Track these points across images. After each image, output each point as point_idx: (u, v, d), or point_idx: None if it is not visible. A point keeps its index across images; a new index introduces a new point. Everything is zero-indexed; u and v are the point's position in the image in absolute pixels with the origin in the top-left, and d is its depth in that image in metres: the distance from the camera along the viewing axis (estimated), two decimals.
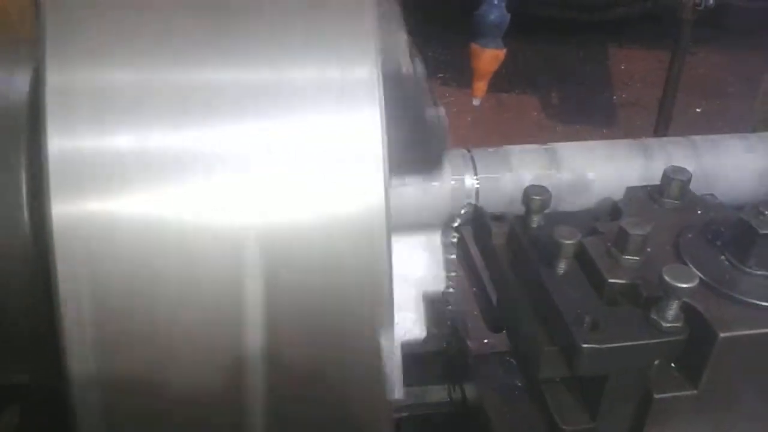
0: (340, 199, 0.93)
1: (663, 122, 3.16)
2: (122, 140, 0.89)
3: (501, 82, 5.40)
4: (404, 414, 1.85)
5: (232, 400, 0.97)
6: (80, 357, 0.90)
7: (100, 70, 0.90)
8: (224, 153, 0.91)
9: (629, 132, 4.71)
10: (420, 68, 1.29)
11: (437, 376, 1.87)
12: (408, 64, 1.16)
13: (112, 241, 0.88)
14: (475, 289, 1.67)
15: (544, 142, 1.62)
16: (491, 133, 4.88)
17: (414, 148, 1.31)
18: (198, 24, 0.92)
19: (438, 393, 1.87)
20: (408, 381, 1.86)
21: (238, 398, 0.97)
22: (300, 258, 0.92)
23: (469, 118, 5.14)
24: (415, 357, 1.85)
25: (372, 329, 0.97)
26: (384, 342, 0.98)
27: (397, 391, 1.41)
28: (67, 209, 0.88)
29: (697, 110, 5.12)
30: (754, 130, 1.80)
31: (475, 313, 1.69)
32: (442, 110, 1.36)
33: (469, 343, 1.76)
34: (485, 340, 2.03)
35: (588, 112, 5.11)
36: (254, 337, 0.93)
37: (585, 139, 1.66)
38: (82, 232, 0.88)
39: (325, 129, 0.93)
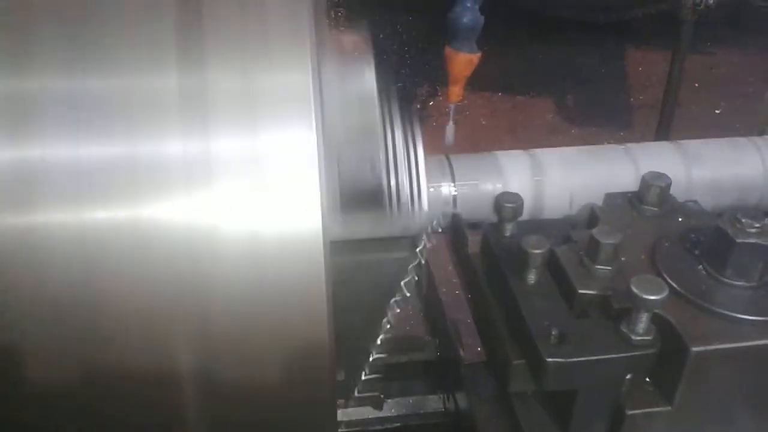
0: (267, 214, 0.90)
1: (664, 125, 3.08)
2: (26, 152, 0.87)
3: (516, 84, 5.35)
4: (398, 424, 1.83)
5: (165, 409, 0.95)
6: None
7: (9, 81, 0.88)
8: (143, 165, 0.88)
9: (646, 135, 4.62)
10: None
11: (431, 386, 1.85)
12: None
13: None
14: (470, 295, 1.64)
15: (559, 145, 1.58)
16: (505, 136, 4.83)
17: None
18: (118, 31, 0.90)
19: (432, 403, 1.85)
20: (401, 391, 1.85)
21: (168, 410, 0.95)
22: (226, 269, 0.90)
23: (483, 122, 5.09)
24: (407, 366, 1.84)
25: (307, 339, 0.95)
26: (323, 356, 0.95)
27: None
28: None
29: (716, 111, 5.02)
30: (761, 133, 1.75)
31: (469, 321, 1.65)
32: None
33: (461, 352, 1.73)
34: (479, 349, 2.00)
35: (604, 115, 5.03)
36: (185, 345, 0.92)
37: (601, 142, 1.61)
38: None
39: (254, 142, 0.90)
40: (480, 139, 4.67)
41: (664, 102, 3.12)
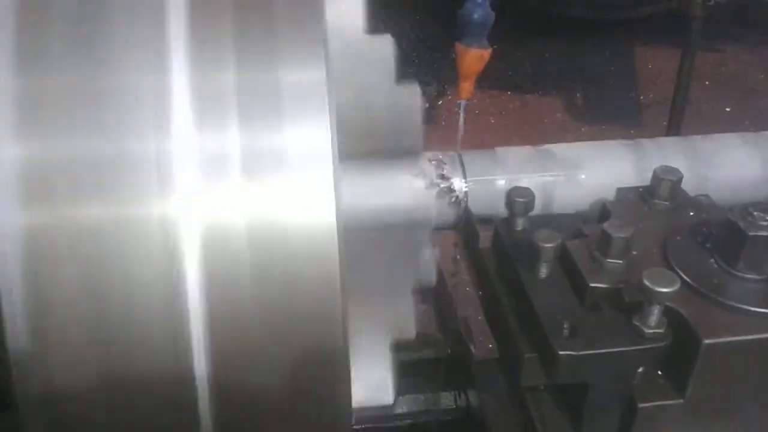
0: (281, 209, 0.91)
1: (675, 121, 3.07)
2: (35, 148, 0.88)
3: (525, 82, 5.35)
4: (409, 421, 1.83)
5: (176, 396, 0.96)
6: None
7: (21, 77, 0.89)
8: (155, 158, 0.89)
9: (656, 132, 4.61)
10: (390, 48, 1.22)
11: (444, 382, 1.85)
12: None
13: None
14: (480, 292, 1.64)
15: (568, 143, 1.58)
16: (514, 135, 4.82)
17: (388, 136, 1.24)
18: (129, 28, 0.91)
19: (445, 400, 1.85)
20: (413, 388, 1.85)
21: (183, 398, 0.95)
22: (243, 263, 0.90)
23: (493, 120, 5.09)
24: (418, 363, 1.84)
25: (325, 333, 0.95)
26: (338, 348, 0.96)
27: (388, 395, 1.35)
28: None
29: (727, 109, 5.00)
30: None
31: (480, 317, 1.66)
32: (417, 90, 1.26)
33: (472, 348, 1.73)
34: (490, 345, 2.00)
35: (614, 113, 5.01)
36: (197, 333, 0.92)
37: (611, 140, 1.60)
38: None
39: (269, 139, 0.91)
40: (489, 138, 4.67)
41: (674, 99, 3.11)
